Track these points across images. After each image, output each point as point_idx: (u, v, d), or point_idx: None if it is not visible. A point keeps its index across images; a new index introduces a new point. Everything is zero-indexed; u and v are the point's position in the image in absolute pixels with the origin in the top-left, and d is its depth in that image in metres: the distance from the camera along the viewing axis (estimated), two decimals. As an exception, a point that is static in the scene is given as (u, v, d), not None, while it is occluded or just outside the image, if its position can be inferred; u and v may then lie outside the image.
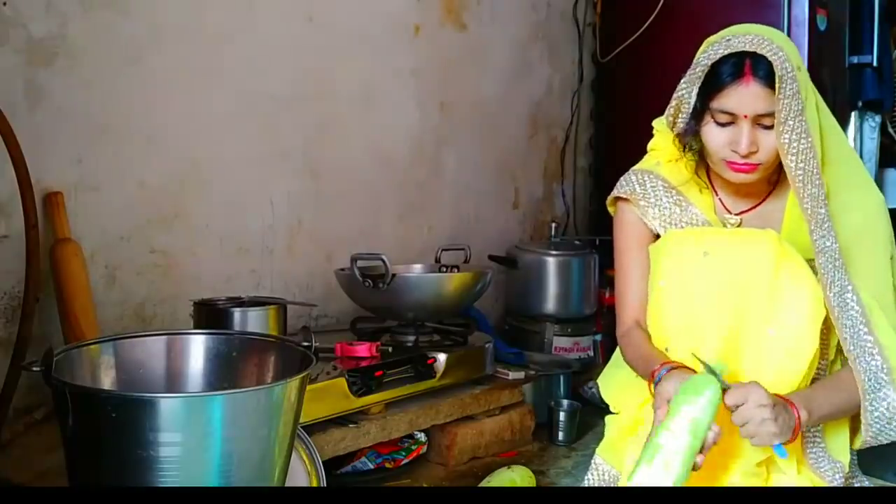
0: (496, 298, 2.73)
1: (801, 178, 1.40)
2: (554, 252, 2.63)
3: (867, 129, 2.96)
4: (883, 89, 2.92)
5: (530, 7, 2.92)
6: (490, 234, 2.76)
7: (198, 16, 1.95)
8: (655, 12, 2.79)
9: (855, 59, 2.85)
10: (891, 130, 3.16)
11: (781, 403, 1.29)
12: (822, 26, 2.60)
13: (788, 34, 2.54)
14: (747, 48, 1.39)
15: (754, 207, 1.55)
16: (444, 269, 2.18)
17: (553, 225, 2.78)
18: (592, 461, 1.60)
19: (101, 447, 1.05)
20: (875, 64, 2.85)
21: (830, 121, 1.50)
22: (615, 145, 3.04)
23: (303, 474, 1.49)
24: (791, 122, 1.37)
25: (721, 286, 1.41)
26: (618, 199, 1.65)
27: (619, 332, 1.61)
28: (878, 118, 2.99)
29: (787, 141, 1.39)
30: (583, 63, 3.12)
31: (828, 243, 1.40)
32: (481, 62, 2.74)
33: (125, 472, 1.04)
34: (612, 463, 1.57)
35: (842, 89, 2.82)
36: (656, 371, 1.38)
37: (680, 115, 1.51)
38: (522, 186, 2.94)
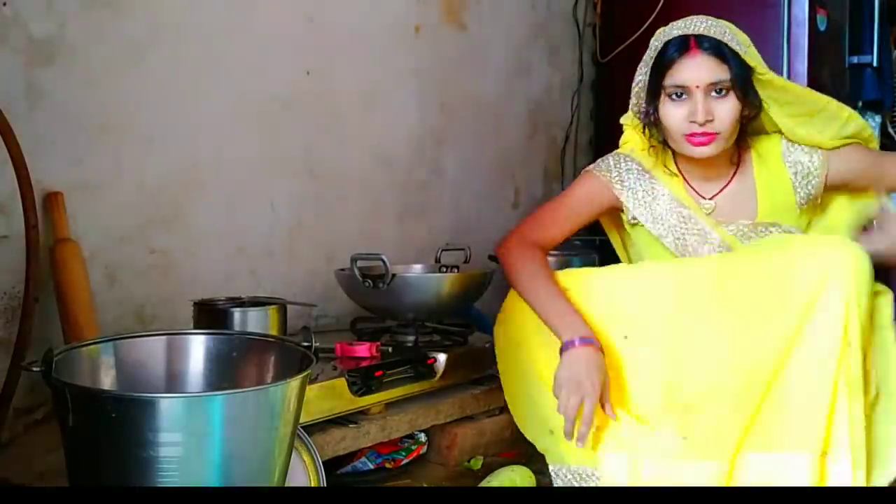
0: (496, 298, 2.73)
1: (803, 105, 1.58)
2: (554, 252, 2.62)
3: (867, 130, 2.96)
4: (883, 89, 2.92)
5: (530, 7, 2.92)
6: (490, 234, 2.76)
7: (198, 16, 1.95)
8: (655, 12, 2.79)
9: (855, 59, 2.85)
10: (891, 130, 3.16)
11: None
12: (822, 26, 2.61)
13: (788, 34, 2.55)
14: (691, 30, 1.51)
15: (724, 189, 1.63)
16: (444, 269, 2.18)
17: (553, 225, 2.78)
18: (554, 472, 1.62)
19: (101, 447, 1.05)
20: (875, 64, 2.85)
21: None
22: (615, 145, 3.03)
23: (303, 474, 1.49)
24: (766, 76, 1.52)
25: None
26: (592, 175, 1.73)
27: (517, 238, 1.67)
28: (878, 118, 2.99)
29: (773, 89, 1.54)
30: (583, 63, 3.12)
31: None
32: (481, 62, 2.74)
33: (125, 472, 1.04)
34: (579, 462, 1.57)
35: (842, 89, 2.82)
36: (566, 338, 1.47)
37: (640, 104, 1.61)
38: (522, 186, 2.94)
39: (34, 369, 1.08)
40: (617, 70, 3.01)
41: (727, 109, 1.50)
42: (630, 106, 1.67)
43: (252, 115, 2.08)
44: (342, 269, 1.97)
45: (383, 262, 1.86)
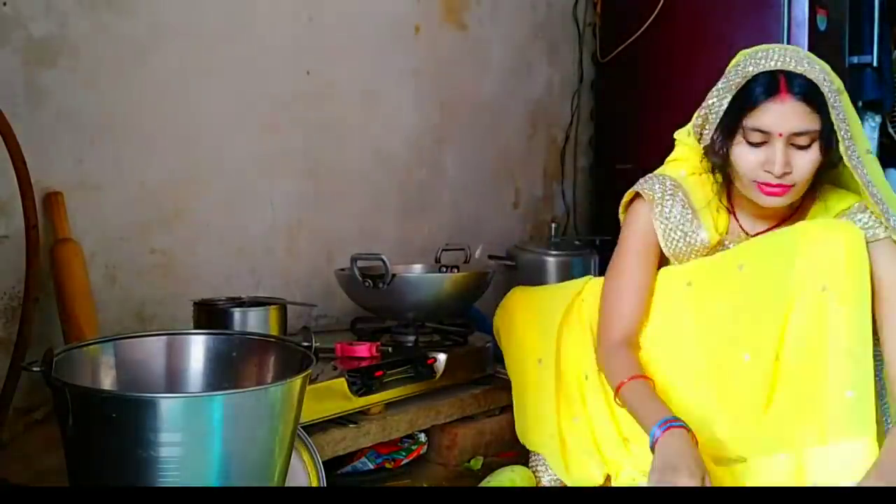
0: (496, 298, 2.73)
1: (873, 193, 1.40)
2: (554, 252, 2.62)
3: (867, 129, 2.97)
4: (883, 89, 2.93)
5: (530, 7, 2.92)
6: (490, 234, 2.76)
7: (198, 16, 1.95)
8: (655, 12, 2.78)
9: (855, 59, 2.85)
10: (891, 130, 3.17)
11: None
12: (822, 26, 2.60)
13: (788, 34, 2.55)
14: (786, 65, 1.35)
15: (770, 229, 1.51)
16: (444, 269, 2.18)
17: (553, 225, 2.78)
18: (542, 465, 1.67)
19: (101, 447, 1.05)
20: (875, 64, 2.85)
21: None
22: (615, 145, 3.04)
23: (303, 474, 1.49)
24: (851, 145, 1.37)
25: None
26: (636, 196, 1.59)
27: (605, 346, 1.52)
28: (878, 118, 2.99)
29: (856, 164, 1.38)
30: (583, 63, 3.12)
31: None
32: (481, 62, 2.74)
33: (125, 472, 1.04)
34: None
35: (842, 89, 2.82)
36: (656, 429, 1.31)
37: (706, 127, 1.46)
38: (522, 186, 2.94)
39: (34, 369, 1.08)
40: (617, 70, 3.00)
41: (808, 161, 1.36)
42: (692, 124, 1.52)
43: (252, 115, 2.08)
44: (342, 269, 1.97)
45: (383, 262, 1.85)
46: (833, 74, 1.41)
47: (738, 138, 1.39)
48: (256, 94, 2.09)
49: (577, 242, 2.80)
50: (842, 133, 1.35)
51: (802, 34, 2.55)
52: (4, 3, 1.63)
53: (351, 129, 2.33)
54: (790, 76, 1.35)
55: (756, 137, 1.37)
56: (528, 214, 2.97)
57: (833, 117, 1.34)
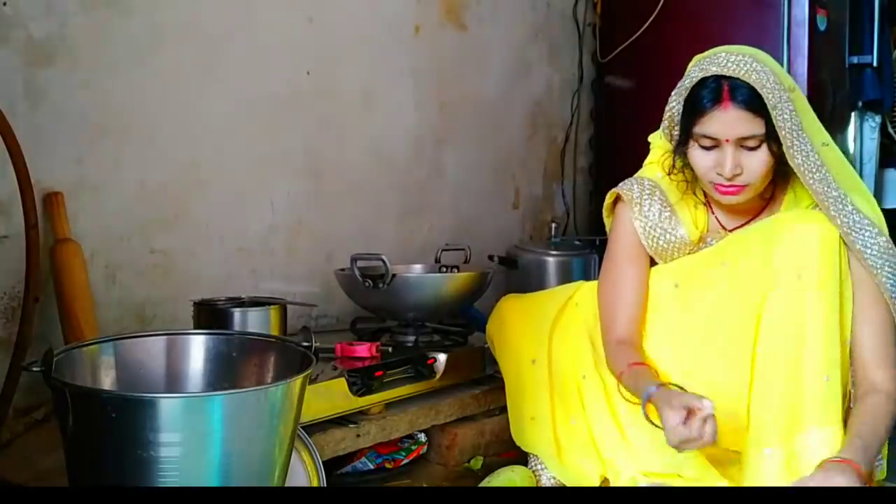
0: (496, 298, 2.73)
1: (823, 191, 1.40)
2: (554, 252, 2.63)
3: (867, 129, 2.97)
4: (883, 89, 2.92)
5: (530, 7, 2.92)
6: (490, 234, 2.76)
7: (198, 16, 1.95)
8: (655, 12, 2.79)
9: (855, 59, 2.85)
10: (891, 130, 3.16)
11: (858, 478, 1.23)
12: (822, 26, 2.61)
13: (788, 34, 2.55)
14: (729, 71, 1.38)
15: (747, 223, 1.55)
16: (444, 269, 2.18)
17: (553, 225, 2.78)
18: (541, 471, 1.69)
19: (101, 447, 1.05)
20: (875, 64, 2.85)
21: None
22: (615, 145, 3.04)
23: (303, 474, 1.49)
24: (797, 143, 1.38)
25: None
26: (618, 199, 1.64)
27: (607, 349, 1.57)
28: (878, 118, 2.99)
29: (800, 162, 1.40)
30: (583, 63, 3.12)
31: (870, 239, 1.40)
32: (481, 62, 2.74)
33: (125, 472, 1.04)
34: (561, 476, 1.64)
35: (842, 89, 2.82)
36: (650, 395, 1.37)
37: (673, 129, 1.52)
38: (522, 186, 2.94)
39: (34, 369, 1.08)
40: (617, 70, 3.01)
41: (758, 162, 1.41)
42: (661, 127, 1.58)
43: (252, 115, 2.08)
44: (342, 269, 1.97)
45: (383, 262, 1.86)
46: (784, 74, 1.44)
47: (692, 142, 1.45)
48: (256, 94, 2.09)
49: (577, 242, 2.81)
50: (784, 133, 1.37)
51: (802, 34, 2.55)
52: (4, 3, 1.63)
53: (351, 129, 2.33)
54: (734, 83, 1.38)
55: (706, 142, 1.43)
56: (528, 214, 2.97)
57: (774, 119, 1.37)
